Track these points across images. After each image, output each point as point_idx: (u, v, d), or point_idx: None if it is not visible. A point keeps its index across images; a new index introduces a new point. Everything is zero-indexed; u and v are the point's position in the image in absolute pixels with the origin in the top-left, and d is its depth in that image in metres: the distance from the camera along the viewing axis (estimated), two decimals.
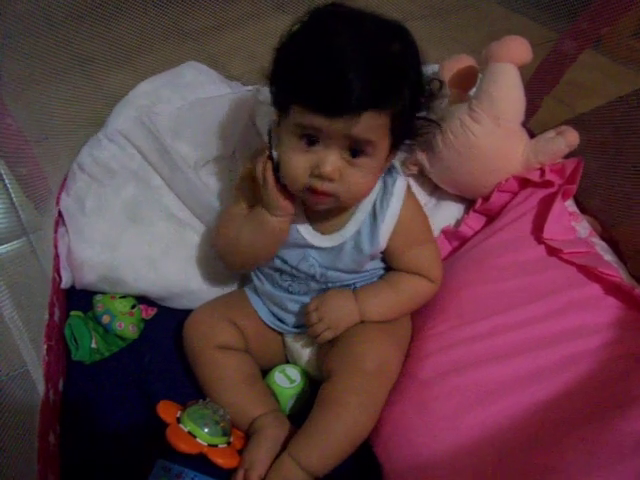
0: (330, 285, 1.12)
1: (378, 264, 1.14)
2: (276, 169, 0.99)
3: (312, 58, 0.88)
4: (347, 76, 0.85)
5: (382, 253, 1.11)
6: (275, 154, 0.99)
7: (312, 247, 1.09)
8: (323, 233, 1.09)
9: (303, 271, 1.11)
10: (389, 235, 1.07)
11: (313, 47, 0.89)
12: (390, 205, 1.06)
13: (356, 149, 0.93)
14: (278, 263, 1.12)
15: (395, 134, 0.96)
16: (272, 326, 1.19)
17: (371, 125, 0.89)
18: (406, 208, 1.07)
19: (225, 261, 1.17)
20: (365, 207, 1.07)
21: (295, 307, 1.15)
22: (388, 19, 0.94)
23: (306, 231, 1.09)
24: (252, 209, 1.09)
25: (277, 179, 1.00)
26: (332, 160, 0.92)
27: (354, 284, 1.13)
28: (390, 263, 1.14)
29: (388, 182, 1.07)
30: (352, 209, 1.07)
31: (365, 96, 0.86)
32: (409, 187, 1.10)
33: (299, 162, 0.94)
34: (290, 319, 1.17)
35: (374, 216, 1.07)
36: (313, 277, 1.11)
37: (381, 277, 1.15)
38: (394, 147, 0.99)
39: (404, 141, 1.01)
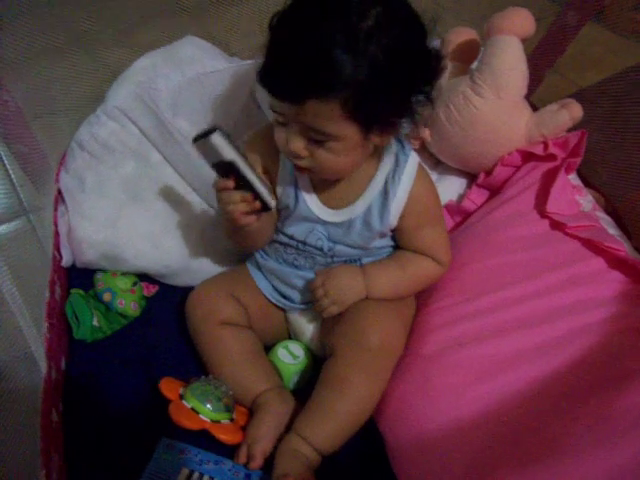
0: (336, 259, 1.11)
1: (387, 242, 1.13)
2: None
3: (272, 43, 0.89)
4: (289, 64, 0.85)
5: (392, 231, 1.10)
6: None
7: (320, 221, 1.08)
8: (332, 207, 1.07)
9: (311, 244, 1.10)
10: (400, 213, 1.06)
11: (277, 31, 0.89)
12: (402, 182, 1.04)
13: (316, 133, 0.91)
14: (284, 239, 1.12)
15: (360, 118, 0.89)
16: (275, 302, 1.19)
17: (317, 112, 0.87)
18: (418, 186, 1.05)
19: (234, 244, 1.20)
20: (377, 183, 1.05)
21: (300, 283, 1.15)
22: None
23: (315, 205, 1.07)
24: None
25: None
26: (294, 140, 0.92)
27: (360, 259, 1.12)
28: (400, 242, 1.13)
29: (400, 159, 1.05)
30: (364, 184, 1.05)
31: (303, 84, 0.85)
32: (422, 165, 1.07)
33: (279, 136, 0.95)
34: (295, 295, 1.17)
35: (385, 193, 1.05)
36: (321, 250, 1.10)
37: (389, 255, 1.14)
38: (369, 130, 0.93)
39: (388, 121, 0.94)
